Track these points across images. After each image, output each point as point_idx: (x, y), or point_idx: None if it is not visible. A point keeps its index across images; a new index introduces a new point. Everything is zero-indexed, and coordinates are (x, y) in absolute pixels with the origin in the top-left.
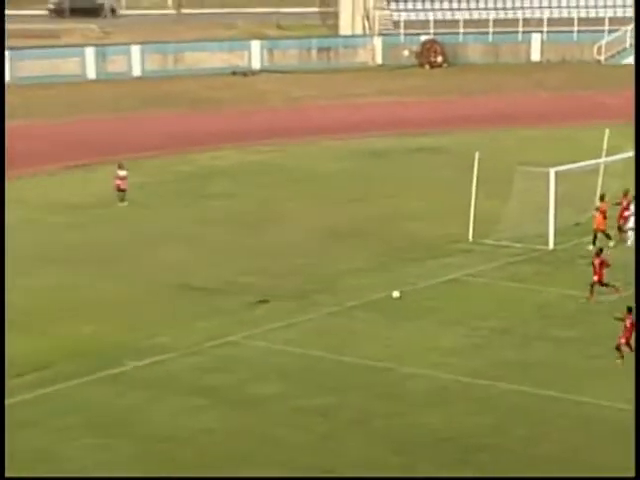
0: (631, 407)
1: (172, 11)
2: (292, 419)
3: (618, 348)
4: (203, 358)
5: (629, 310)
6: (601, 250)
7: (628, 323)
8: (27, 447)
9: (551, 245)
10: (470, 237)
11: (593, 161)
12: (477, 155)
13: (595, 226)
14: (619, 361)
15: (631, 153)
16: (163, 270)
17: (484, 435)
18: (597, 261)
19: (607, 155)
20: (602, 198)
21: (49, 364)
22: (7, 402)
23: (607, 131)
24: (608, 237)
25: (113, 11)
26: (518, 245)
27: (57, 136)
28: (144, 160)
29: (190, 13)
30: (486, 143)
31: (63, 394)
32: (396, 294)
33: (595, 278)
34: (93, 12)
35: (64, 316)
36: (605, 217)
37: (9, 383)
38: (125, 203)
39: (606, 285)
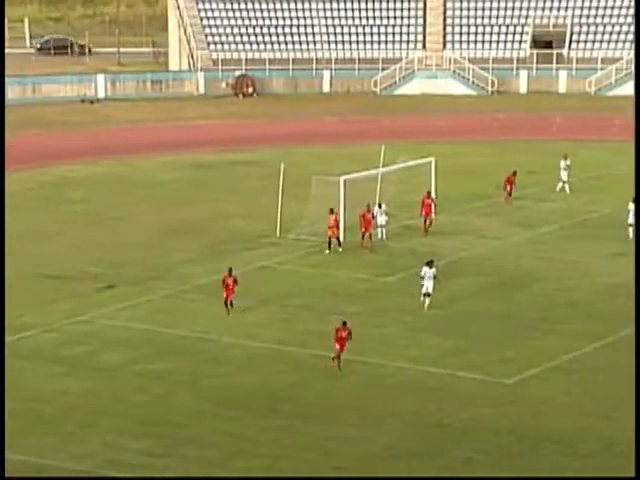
0: (412, 365)
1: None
2: (134, 381)
3: (335, 357)
4: (60, 334)
5: (344, 324)
6: (231, 270)
7: (345, 334)
8: None
9: (341, 238)
10: (277, 233)
11: (374, 170)
12: (282, 166)
13: (330, 233)
14: (334, 364)
15: (402, 164)
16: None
17: (289, 389)
18: (230, 280)
19: (383, 166)
20: (332, 211)
21: None
22: None
23: (383, 147)
24: (338, 242)
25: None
26: (315, 239)
27: None
28: (11, 173)
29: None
30: (288, 157)
31: None
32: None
33: (226, 295)
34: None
35: None
36: (338, 226)
37: None
38: None
39: (231, 305)
